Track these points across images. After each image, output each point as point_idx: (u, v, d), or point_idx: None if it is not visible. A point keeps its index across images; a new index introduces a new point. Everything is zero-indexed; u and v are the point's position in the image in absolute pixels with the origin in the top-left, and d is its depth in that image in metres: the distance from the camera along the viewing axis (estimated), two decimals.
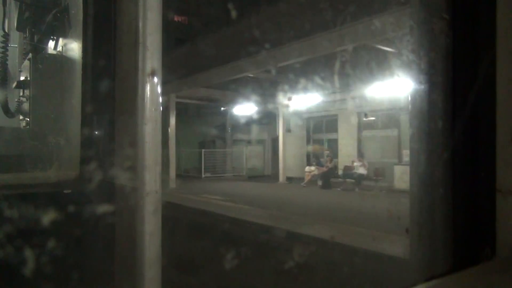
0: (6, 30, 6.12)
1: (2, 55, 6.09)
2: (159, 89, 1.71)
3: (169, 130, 13.78)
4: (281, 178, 15.58)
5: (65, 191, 2.73)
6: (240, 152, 19.41)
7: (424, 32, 1.40)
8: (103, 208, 1.97)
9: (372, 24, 6.47)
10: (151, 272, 1.66)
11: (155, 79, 1.70)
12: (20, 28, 6.01)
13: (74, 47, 4.21)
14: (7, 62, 6.34)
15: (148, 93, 1.68)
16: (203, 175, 17.72)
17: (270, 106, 15.58)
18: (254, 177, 17.81)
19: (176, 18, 11.61)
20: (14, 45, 7.13)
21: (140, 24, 1.67)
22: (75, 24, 4.21)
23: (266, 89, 13.08)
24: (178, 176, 15.59)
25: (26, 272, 2.02)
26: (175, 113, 14.08)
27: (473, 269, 1.12)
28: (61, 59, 4.94)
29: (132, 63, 1.71)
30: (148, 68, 1.68)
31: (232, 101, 15.71)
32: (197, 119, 18.19)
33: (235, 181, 16.76)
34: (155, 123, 1.70)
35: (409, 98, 1.44)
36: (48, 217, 2.11)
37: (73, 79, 4.10)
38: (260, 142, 19.51)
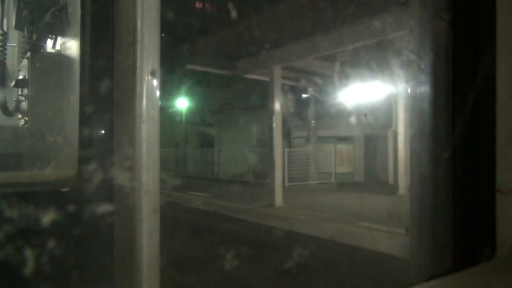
0: (5, 29, 6.09)
1: (0, 53, 6.07)
2: (157, 88, 1.70)
3: (273, 119, 9.43)
4: (402, 188, 11.40)
5: (63, 190, 2.72)
6: (327, 152, 15.24)
7: (424, 32, 1.40)
8: (102, 207, 1.96)
9: None
10: (150, 272, 1.65)
11: (154, 78, 1.69)
12: (18, 26, 5.97)
13: (72, 46, 4.19)
14: (6, 61, 6.33)
15: (147, 92, 1.67)
16: (286, 183, 13.33)
17: (385, 89, 11.00)
18: (344, 184, 14.12)
19: None
20: (13, 44, 7.11)
21: (139, 22, 1.67)
22: (73, 22, 4.19)
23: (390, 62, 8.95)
24: (247, 183, 12.14)
25: (23, 271, 2.02)
26: (280, 94, 9.58)
27: (473, 269, 1.12)
28: (60, 58, 4.91)
29: (130, 61, 1.70)
30: (147, 67, 1.67)
31: (335, 81, 11.40)
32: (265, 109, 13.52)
33: (335, 192, 12.82)
34: (153, 122, 1.69)
35: (409, 98, 1.44)
36: (45, 216, 2.10)
37: (71, 78, 4.08)
38: (348, 139, 15.61)
